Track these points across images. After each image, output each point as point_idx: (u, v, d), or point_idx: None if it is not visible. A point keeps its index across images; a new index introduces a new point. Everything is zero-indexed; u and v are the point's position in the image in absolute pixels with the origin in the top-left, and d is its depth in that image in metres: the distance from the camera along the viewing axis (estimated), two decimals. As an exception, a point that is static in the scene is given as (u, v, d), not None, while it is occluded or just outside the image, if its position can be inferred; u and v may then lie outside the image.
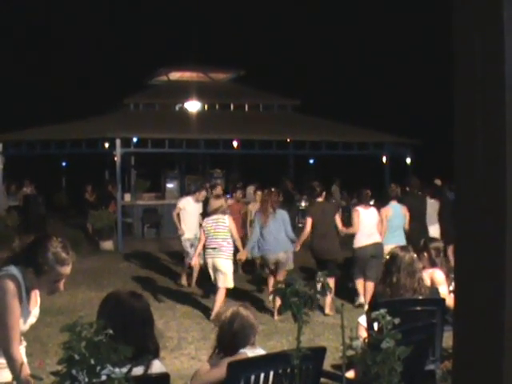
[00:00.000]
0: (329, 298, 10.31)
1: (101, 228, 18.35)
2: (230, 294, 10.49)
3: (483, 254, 1.67)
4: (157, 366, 3.44)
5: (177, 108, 24.41)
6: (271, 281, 10.72)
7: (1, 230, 16.74)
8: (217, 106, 24.74)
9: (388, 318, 2.48)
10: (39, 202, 22.06)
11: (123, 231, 19.18)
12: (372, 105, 36.26)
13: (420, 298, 5.85)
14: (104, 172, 27.06)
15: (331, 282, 10.30)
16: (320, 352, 3.82)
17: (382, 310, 2.51)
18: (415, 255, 6.32)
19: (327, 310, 10.33)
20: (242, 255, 10.88)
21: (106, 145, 20.79)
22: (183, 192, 21.59)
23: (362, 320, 5.81)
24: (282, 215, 10.87)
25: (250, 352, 4.28)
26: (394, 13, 37.18)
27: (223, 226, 10.31)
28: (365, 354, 2.37)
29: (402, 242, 10.44)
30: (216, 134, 20.84)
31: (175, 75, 26.17)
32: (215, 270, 10.20)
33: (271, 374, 3.69)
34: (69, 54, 40.54)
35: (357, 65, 39.44)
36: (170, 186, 23.22)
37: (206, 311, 10.87)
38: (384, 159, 22.53)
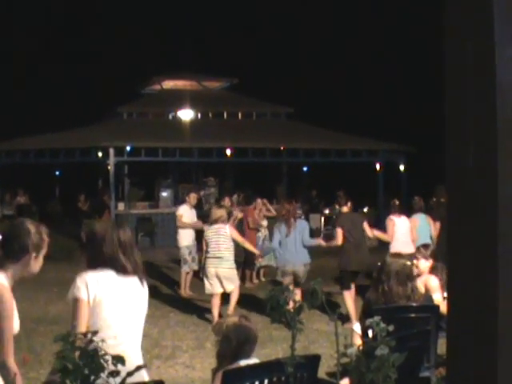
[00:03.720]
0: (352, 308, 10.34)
1: (94, 237, 18.27)
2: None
3: (476, 260, 1.67)
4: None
5: (170, 116, 24.42)
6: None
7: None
8: (210, 115, 24.75)
9: (382, 325, 2.48)
10: (33, 211, 22.00)
11: (117, 240, 19.11)
12: (365, 112, 36.33)
13: (414, 304, 5.85)
14: (97, 181, 27.02)
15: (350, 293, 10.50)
16: (314, 360, 3.81)
17: (376, 318, 2.51)
18: (408, 262, 6.31)
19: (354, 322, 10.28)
20: (259, 257, 11.97)
21: (100, 154, 20.80)
22: (177, 201, 21.58)
23: (357, 327, 5.81)
24: (302, 225, 11.00)
25: (245, 363, 4.23)
26: (387, 20, 37.33)
27: (224, 236, 10.57)
28: (359, 362, 2.37)
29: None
30: (209, 142, 20.86)
31: (168, 84, 26.20)
32: (219, 278, 10.43)
33: (266, 382, 3.68)
34: (62, 63, 40.57)
35: (350, 72, 39.53)
36: (163, 194, 23.19)
37: (201, 320, 10.84)
38: (378, 166, 22.58)
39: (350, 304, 10.35)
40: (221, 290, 10.46)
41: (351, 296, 10.50)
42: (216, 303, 10.46)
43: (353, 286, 10.63)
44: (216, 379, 4.07)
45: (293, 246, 10.62)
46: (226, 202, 14.89)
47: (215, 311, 10.39)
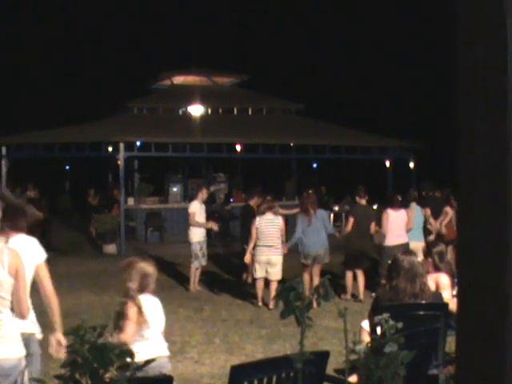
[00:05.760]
0: (361, 286, 11.85)
1: (104, 231, 18.35)
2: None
3: (486, 258, 1.67)
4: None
5: (180, 112, 24.41)
6: (308, 272, 11.67)
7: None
8: (220, 110, 24.74)
9: (391, 322, 2.48)
10: (43, 205, 22.05)
11: (126, 235, 19.18)
12: (376, 109, 36.24)
13: (423, 302, 5.84)
14: (107, 176, 27.08)
15: (361, 272, 11.93)
16: (323, 356, 3.81)
17: (385, 315, 2.51)
18: (419, 259, 6.30)
19: (361, 297, 11.78)
20: (285, 249, 12.01)
21: (110, 148, 20.83)
22: (187, 196, 21.59)
23: (365, 324, 5.81)
24: (322, 215, 12.05)
25: (148, 299, 5.42)
26: (397, 17, 37.22)
27: (277, 226, 11.51)
28: (368, 359, 2.38)
29: (422, 239, 12.18)
30: (219, 138, 20.85)
31: (179, 79, 26.19)
32: (269, 265, 11.40)
33: (274, 378, 3.68)
34: (72, 57, 40.65)
35: (361, 69, 39.43)
36: (173, 189, 23.27)
37: (210, 315, 10.86)
38: (387, 163, 22.54)
39: (349, 281, 12.03)
40: (264, 275, 11.42)
41: (351, 276, 12.02)
42: (260, 286, 11.50)
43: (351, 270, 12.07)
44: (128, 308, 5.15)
45: (314, 233, 11.66)
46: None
47: (260, 293, 11.44)
